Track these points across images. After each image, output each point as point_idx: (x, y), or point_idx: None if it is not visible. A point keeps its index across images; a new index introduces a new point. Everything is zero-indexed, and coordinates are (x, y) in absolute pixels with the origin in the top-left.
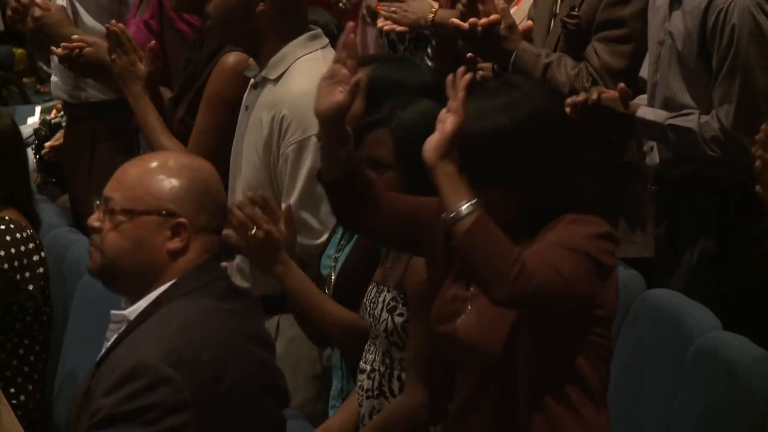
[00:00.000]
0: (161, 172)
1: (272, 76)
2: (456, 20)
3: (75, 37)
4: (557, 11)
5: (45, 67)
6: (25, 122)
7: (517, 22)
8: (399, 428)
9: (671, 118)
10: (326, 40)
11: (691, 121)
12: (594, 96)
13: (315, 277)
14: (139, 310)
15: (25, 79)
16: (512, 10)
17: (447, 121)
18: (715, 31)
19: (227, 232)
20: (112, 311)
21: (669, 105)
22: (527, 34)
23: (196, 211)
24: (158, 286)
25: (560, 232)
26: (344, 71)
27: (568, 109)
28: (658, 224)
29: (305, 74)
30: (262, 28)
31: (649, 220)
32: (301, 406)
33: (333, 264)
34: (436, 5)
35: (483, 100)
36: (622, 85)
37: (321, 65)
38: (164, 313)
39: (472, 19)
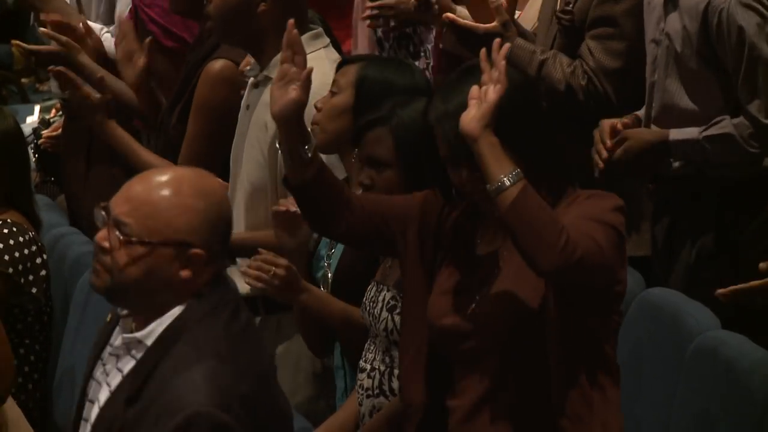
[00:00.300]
0: (178, 200)
1: (274, 75)
2: (451, 15)
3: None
4: (558, 8)
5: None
6: (24, 121)
7: (527, 26)
8: (398, 427)
9: (704, 130)
10: (327, 40)
11: (724, 126)
12: (609, 144)
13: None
14: (155, 336)
15: (23, 80)
16: (518, 16)
17: (490, 91)
18: (721, 32)
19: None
20: (124, 335)
21: (667, 109)
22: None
23: (211, 241)
24: (169, 309)
25: (583, 207)
26: (293, 69)
27: (597, 173)
28: (656, 222)
29: None
30: (263, 28)
31: (643, 218)
32: (302, 404)
33: (327, 263)
34: None
35: (456, 89)
36: (626, 120)
37: (324, 64)
38: (191, 345)
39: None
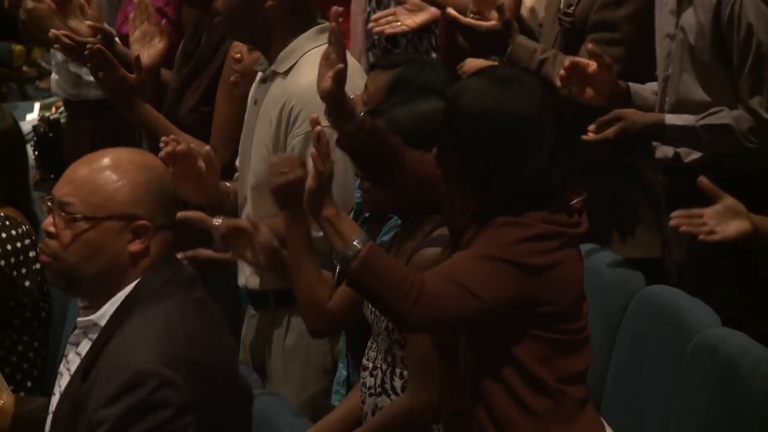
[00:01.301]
0: (118, 175)
1: (281, 70)
2: (453, 11)
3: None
4: (562, 8)
5: (44, 64)
6: (24, 119)
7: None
8: (401, 428)
9: (701, 119)
10: None
11: (724, 117)
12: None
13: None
14: (108, 315)
15: (24, 67)
16: None
17: (309, 178)
18: (732, 25)
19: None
20: (78, 318)
21: (682, 102)
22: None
23: (156, 211)
24: (121, 288)
25: (481, 240)
26: (333, 56)
27: (591, 135)
28: (668, 214)
29: (314, 67)
30: (271, 23)
31: (640, 222)
32: (311, 399)
33: None
34: None
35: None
36: (589, 45)
37: None
38: (141, 315)
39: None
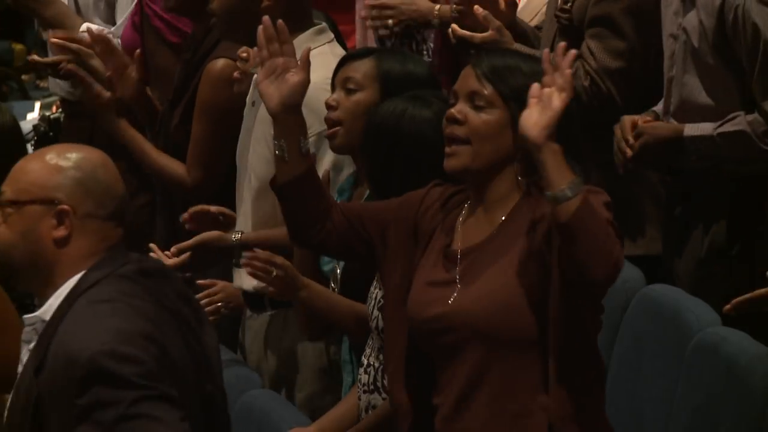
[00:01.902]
0: (46, 163)
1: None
2: (455, 25)
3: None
4: (558, 5)
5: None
6: (24, 118)
7: (527, 19)
8: (387, 428)
9: (718, 126)
10: (332, 35)
11: (738, 123)
12: (632, 141)
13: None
14: (53, 309)
15: (24, 76)
16: (521, 5)
17: (554, 98)
18: (737, 28)
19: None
20: (25, 316)
21: (685, 104)
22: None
23: (81, 198)
24: (60, 280)
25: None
26: (281, 59)
27: (620, 170)
28: (669, 214)
29: (314, 68)
30: None
31: (645, 218)
32: (308, 399)
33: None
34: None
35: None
36: (647, 117)
37: (329, 59)
38: (84, 303)
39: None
